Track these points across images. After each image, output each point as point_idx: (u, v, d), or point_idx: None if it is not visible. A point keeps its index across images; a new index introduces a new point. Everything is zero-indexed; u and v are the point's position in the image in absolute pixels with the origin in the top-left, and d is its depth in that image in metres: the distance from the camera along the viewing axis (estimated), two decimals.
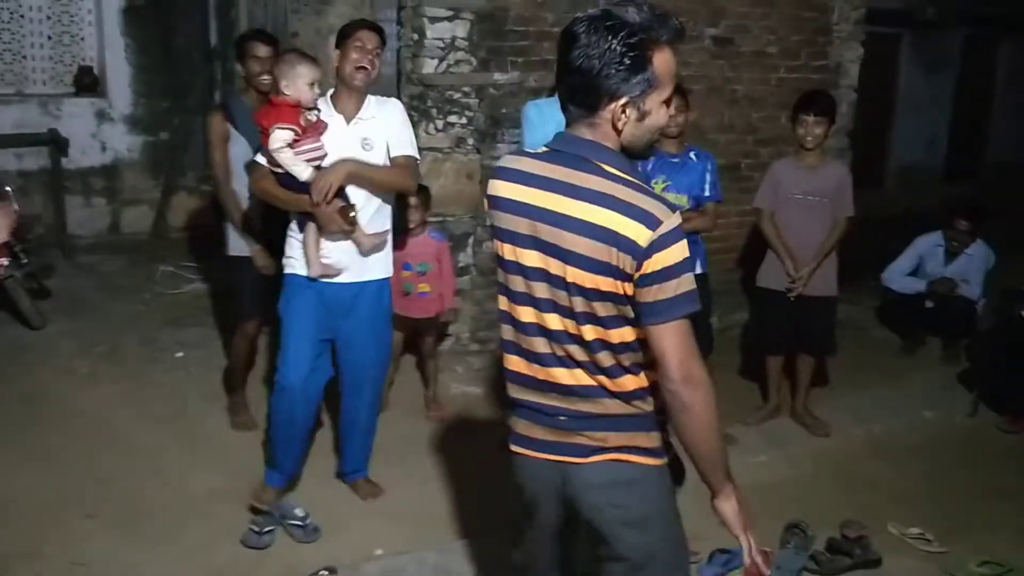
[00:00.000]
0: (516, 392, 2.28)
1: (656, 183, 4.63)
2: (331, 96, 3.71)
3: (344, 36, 3.67)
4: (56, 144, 7.81)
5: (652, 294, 2.01)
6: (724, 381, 5.40)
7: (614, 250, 2.00)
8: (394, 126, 3.75)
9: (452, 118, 5.46)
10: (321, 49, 5.80)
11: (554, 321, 2.13)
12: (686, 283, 2.02)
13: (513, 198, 2.15)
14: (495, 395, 5.22)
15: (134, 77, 8.31)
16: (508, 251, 2.18)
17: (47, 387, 5.07)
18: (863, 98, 7.16)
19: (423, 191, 4.79)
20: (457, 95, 5.47)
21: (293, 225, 3.77)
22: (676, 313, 2.02)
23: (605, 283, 2.04)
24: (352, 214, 3.61)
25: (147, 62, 8.32)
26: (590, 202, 2.03)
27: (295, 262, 3.76)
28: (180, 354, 5.62)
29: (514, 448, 2.33)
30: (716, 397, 2.12)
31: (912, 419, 5.35)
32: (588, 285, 2.05)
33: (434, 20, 5.34)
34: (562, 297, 2.10)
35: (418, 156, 3.87)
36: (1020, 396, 5.24)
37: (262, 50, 4.37)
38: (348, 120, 3.68)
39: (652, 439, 2.23)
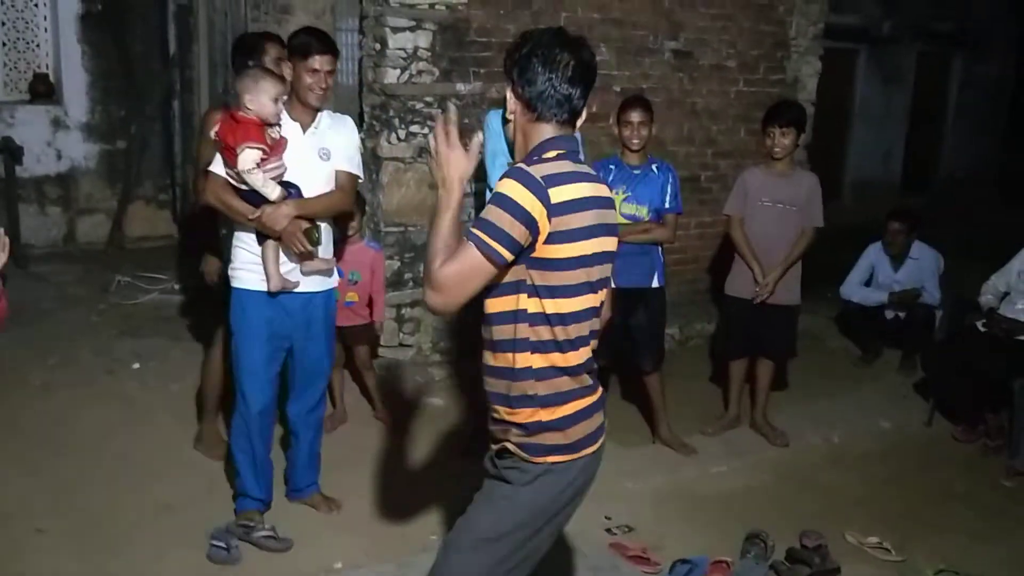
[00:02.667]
0: (590, 377, 2.44)
1: (616, 194, 4.66)
2: (285, 104, 3.64)
3: (296, 53, 3.61)
4: (10, 152, 7.68)
5: None
6: (686, 391, 5.46)
7: None
8: (343, 140, 3.74)
9: (414, 128, 5.45)
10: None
11: (600, 296, 2.44)
12: None
13: (581, 196, 2.33)
14: (456, 406, 5.20)
15: (91, 84, 8.20)
16: (590, 246, 2.34)
17: None
18: (820, 112, 7.26)
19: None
20: (419, 105, 5.46)
21: (240, 234, 3.69)
22: None
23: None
24: (316, 235, 3.60)
25: (104, 69, 8.21)
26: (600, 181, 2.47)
27: (244, 275, 3.68)
28: (136, 365, 5.53)
29: (577, 454, 2.40)
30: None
31: (870, 429, 5.41)
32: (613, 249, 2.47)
33: (396, 30, 5.34)
34: (605, 270, 2.43)
35: (361, 176, 3.87)
36: (974, 406, 5.31)
37: (276, 51, 4.33)
38: (304, 129, 3.66)
39: None
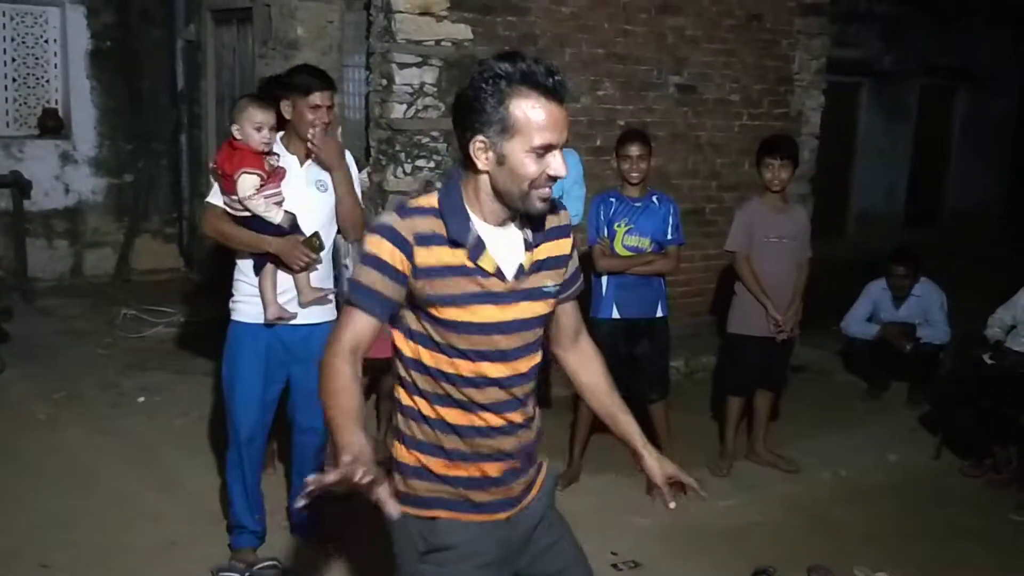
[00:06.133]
0: None
1: (619, 226, 4.70)
2: (282, 137, 3.71)
3: (297, 91, 3.62)
4: (18, 186, 7.75)
5: None
6: (692, 424, 5.43)
7: None
8: None
9: (420, 162, 5.49)
10: None
11: None
12: (357, 272, 2.11)
13: None
14: None
15: (99, 120, 8.29)
16: None
17: (3, 432, 4.97)
18: (823, 145, 7.29)
19: None
20: (425, 139, 5.50)
21: (241, 265, 3.70)
22: (348, 295, 2.14)
23: None
24: (318, 242, 3.61)
25: (113, 105, 8.31)
26: None
27: (244, 307, 3.69)
28: (141, 399, 5.55)
29: None
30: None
31: (877, 463, 5.38)
32: None
33: (403, 66, 5.39)
34: None
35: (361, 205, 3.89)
36: (981, 440, 5.29)
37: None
38: (301, 161, 3.69)
39: (396, 480, 2.25)
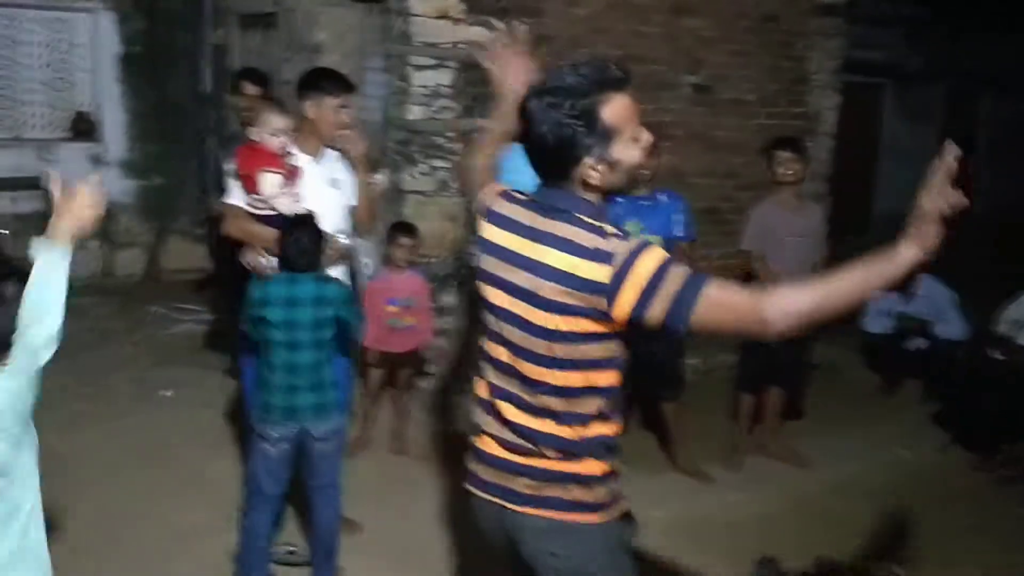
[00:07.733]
0: (478, 420, 2.38)
1: (629, 226, 4.75)
2: (296, 137, 3.79)
3: (322, 92, 3.72)
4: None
5: (659, 311, 2.02)
6: (709, 423, 5.47)
7: (575, 292, 2.08)
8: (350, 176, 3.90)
9: (436, 162, 5.60)
10: None
11: (524, 366, 2.21)
12: (676, 280, 2.01)
13: (494, 241, 2.27)
14: None
15: (129, 123, 8.47)
16: (485, 291, 2.28)
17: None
18: (847, 146, 7.30)
19: (414, 231, 5.00)
20: (441, 140, 5.61)
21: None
22: (690, 301, 2.00)
23: (566, 323, 2.12)
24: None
25: (142, 108, 8.48)
26: (555, 248, 2.12)
27: None
28: (169, 393, 5.69)
29: (467, 486, 2.41)
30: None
31: (887, 458, 5.41)
32: (551, 327, 2.13)
33: (419, 68, 5.50)
34: (528, 340, 2.18)
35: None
36: (991, 436, 5.30)
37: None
38: (316, 160, 3.80)
39: (595, 494, 2.24)
